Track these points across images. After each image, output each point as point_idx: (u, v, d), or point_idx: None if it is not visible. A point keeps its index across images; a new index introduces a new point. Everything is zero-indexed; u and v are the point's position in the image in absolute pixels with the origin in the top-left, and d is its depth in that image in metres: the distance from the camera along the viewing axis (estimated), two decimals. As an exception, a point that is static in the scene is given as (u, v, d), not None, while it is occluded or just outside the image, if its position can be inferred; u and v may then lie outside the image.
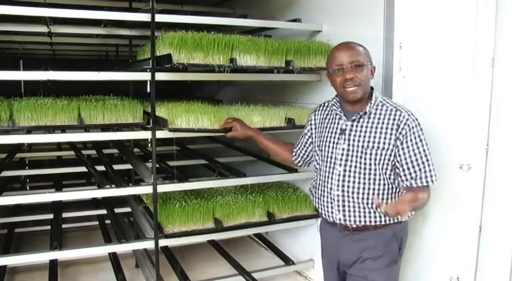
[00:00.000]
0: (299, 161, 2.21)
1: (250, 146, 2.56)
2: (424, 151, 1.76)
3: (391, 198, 1.83)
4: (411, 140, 1.75)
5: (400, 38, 2.24)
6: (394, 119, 1.78)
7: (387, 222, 1.83)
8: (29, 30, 3.27)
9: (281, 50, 2.61)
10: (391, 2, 2.32)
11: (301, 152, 2.18)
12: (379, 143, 1.78)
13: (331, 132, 1.91)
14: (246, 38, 2.53)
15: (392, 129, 1.77)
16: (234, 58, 2.45)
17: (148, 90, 2.77)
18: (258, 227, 2.98)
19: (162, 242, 2.73)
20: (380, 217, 1.82)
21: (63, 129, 2.66)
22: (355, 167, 1.82)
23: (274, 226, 3.02)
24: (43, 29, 3.13)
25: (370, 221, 1.83)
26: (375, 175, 1.80)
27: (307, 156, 2.16)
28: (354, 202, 1.83)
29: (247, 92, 4.24)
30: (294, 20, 3.15)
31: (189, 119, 2.42)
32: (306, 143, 2.15)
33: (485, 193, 1.95)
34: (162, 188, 2.65)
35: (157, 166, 2.65)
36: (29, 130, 2.54)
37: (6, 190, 3.88)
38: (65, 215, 3.83)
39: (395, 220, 1.83)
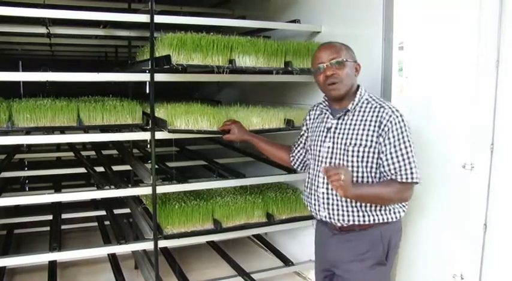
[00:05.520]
0: (298, 165, 2.21)
1: (250, 147, 2.56)
2: (406, 147, 1.73)
3: None
4: (394, 136, 1.73)
5: (401, 39, 2.24)
6: (377, 116, 1.77)
7: (371, 222, 1.81)
8: (28, 31, 3.27)
9: (280, 51, 2.61)
10: (390, 3, 2.33)
11: (300, 155, 2.18)
12: (361, 140, 1.78)
13: (320, 131, 1.93)
14: (245, 39, 2.54)
15: (374, 126, 1.76)
16: (233, 59, 2.45)
17: (147, 91, 2.77)
18: (257, 228, 2.98)
19: (162, 243, 2.72)
20: (364, 216, 1.80)
21: (62, 130, 2.66)
22: (339, 164, 1.81)
23: (274, 226, 3.01)
24: (42, 30, 3.12)
25: (354, 220, 1.81)
26: (357, 171, 1.79)
27: (307, 158, 2.15)
28: (337, 199, 1.82)
29: (247, 93, 4.24)
30: (293, 21, 3.15)
31: (188, 120, 2.42)
32: (303, 144, 2.15)
33: (490, 190, 1.95)
34: (162, 189, 2.65)
35: (156, 166, 2.65)
36: (28, 131, 2.54)
37: (5, 190, 3.88)
38: (64, 216, 3.83)
39: (382, 220, 1.81)
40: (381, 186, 1.77)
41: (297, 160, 2.19)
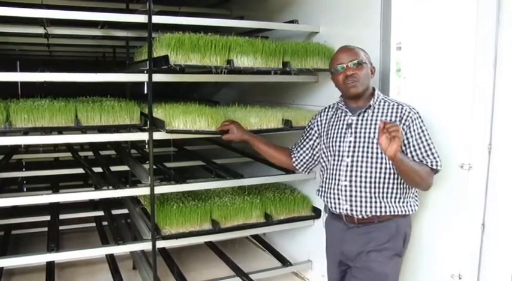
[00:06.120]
0: (300, 166, 2.23)
1: (248, 147, 2.57)
2: (426, 140, 1.87)
3: (397, 187, 1.90)
4: (415, 129, 1.86)
5: (399, 39, 2.25)
6: (396, 112, 1.90)
7: (391, 213, 1.89)
8: (25, 31, 3.25)
9: (278, 51, 2.61)
10: (387, 3, 2.33)
11: (305, 156, 2.20)
12: None
13: (338, 128, 2.01)
14: (243, 40, 2.53)
15: (395, 121, 1.88)
16: (231, 59, 2.45)
17: (145, 92, 2.77)
18: (255, 228, 2.98)
19: (160, 244, 2.72)
20: (385, 207, 1.89)
21: (60, 130, 2.65)
22: (362, 157, 1.91)
23: (272, 227, 3.01)
24: (40, 30, 3.12)
25: (376, 212, 1.89)
26: (381, 163, 1.88)
27: (312, 159, 2.18)
28: (360, 191, 1.90)
29: (245, 93, 4.24)
30: (291, 22, 3.16)
31: (186, 121, 2.41)
32: (312, 145, 2.17)
33: (488, 191, 1.97)
34: (160, 189, 2.64)
35: (154, 167, 2.65)
36: (26, 132, 2.53)
37: (3, 191, 3.87)
38: (62, 216, 3.82)
39: (400, 212, 1.90)
40: (417, 163, 1.86)
41: (301, 161, 2.22)
